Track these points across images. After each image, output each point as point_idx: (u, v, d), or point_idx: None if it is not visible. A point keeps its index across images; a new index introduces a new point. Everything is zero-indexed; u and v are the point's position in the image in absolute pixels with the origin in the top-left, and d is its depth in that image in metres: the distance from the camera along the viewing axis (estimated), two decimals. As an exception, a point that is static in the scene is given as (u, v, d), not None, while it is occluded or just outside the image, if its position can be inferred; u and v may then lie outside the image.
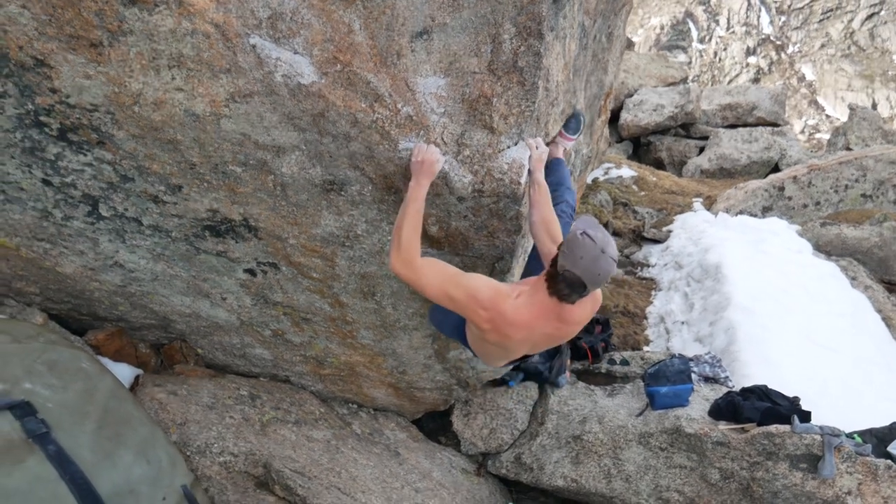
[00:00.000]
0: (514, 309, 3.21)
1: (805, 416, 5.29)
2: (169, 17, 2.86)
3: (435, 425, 6.61)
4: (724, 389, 6.18)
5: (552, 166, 4.19)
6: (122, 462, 3.31)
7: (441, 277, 3.19)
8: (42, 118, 3.34)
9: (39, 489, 2.87)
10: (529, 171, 3.54)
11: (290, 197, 3.73)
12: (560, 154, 4.34)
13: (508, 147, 3.49)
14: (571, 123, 4.51)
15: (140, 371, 5.04)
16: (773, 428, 5.19)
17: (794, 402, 5.54)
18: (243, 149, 3.41)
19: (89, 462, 3.12)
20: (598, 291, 3.32)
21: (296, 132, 3.31)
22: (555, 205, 3.92)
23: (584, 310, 3.32)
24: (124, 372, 4.84)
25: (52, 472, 2.96)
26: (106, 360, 4.78)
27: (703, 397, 6.00)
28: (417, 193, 3.20)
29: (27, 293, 4.75)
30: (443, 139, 3.35)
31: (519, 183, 3.51)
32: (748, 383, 6.06)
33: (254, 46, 2.97)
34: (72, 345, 3.82)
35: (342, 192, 3.66)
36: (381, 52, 3.15)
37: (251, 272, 4.42)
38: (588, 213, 11.55)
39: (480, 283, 3.21)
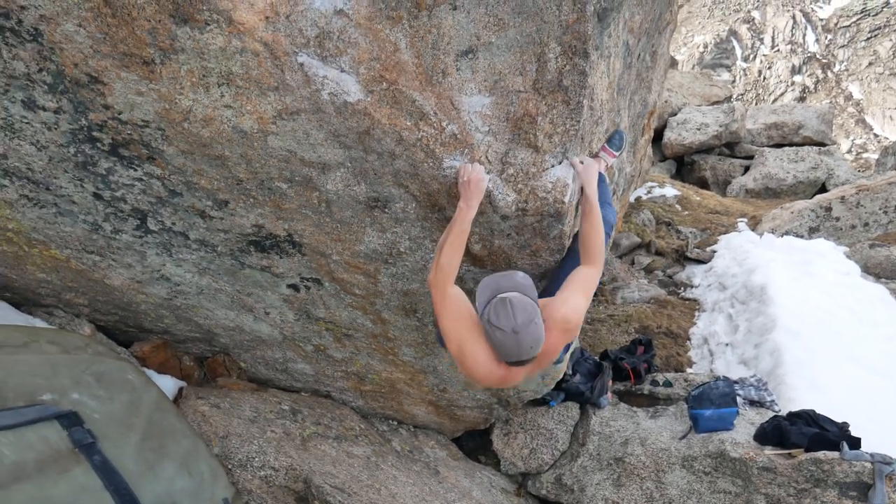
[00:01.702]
0: (501, 375, 3.15)
1: (855, 443, 5.18)
2: (219, 36, 2.90)
3: (475, 444, 6.60)
4: (770, 413, 6.08)
5: None
6: (165, 474, 3.34)
7: (454, 322, 3.15)
8: (95, 133, 3.40)
9: (84, 499, 2.90)
10: (582, 188, 3.53)
11: (334, 213, 3.76)
12: (602, 169, 4.33)
13: (553, 166, 3.48)
14: (615, 139, 4.50)
15: (184, 383, 5.10)
16: (821, 454, 5.09)
17: (843, 427, 5.43)
18: (289, 165, 3.45)
19: (133, 473, 3.15)
20: (567, 318, 3.17)
21: (341, 149, 3.33)
22: None
23: (551, 342, 3.14)
24: (168, 384, 4.90)
25: (97, 482, 2.99)
26: (151, 372, 4.85)
27: (748, 421, 5.90)
28: (466, 215, 3.21)
29: (76, 304, 4.84)
30: (487, 158, 3.35)
31: (563, 202, 3.50)
32: (795, 407, 5.96)
33: (301, 65, 3.00)
34: (118, 356, 3.87)
35: (386, 210, 3.68)
36: (426, 70, 3.16)
37: (294, 287, 4.46)
38: (628, 232, 11.48)
39: (478, 361, 3.12)
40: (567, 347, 3.82)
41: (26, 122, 3.35)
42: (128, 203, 3.86)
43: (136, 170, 3.62)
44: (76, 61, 3.04)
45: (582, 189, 3.54)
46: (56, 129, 3.39)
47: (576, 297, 3.24)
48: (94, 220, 4.00)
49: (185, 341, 5.31)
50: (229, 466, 4.39)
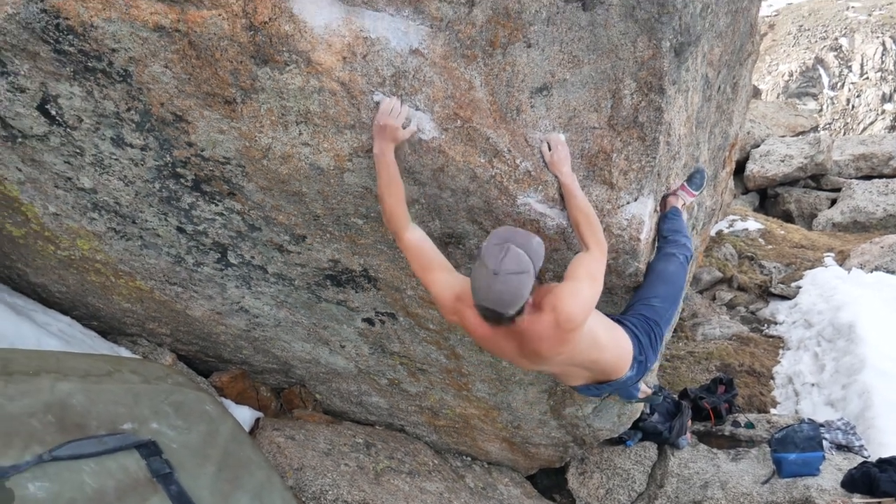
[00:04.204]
0: (474, 317, 3.05)
1: (949, 492, 4.94)
2: (298, 76, 2.97)
3: (549, 482, 6.50)
4: (859, 459, 5.85)
5: (669, 215, 4.09)
6: (240, 505, 3.38)
7: (421, 266, 3.20)
8: (178, 170, 3.51)
9: (161, 528, 2.96)
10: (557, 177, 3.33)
11: (408, 249, 3.79)
12: (678, 205, 4.23)
13: (628, 203, 3.45)
14: (695, 178, 4.36)
15: (260, 414, 5.17)
16: (913, 503, 4.87)
17: (937, 476, 5.20)
18: (364, 201, 3.49)
19: (208, 504, 3.20)
20: (565, 303, 2.98)
21: (416, 186, 3.36)
22: (671, 250, 3.85)
23: (540, 323, 3.00)
24: (245, 415, 4.98)
25: (173, 512, 3.05)
26: (229, 402, 4.93)
27: (835, 466, 5.70)
28: (385, 160, 3.06)
29: (159, 334, 4.97)
30: (561, 195, 3.34)
31: (638, 239, 3.46)
32: (885, 453, 5.72)
33: (377, 103, 3.05)
34: (197, 386, 3.95)
35: (460, 245, 3.69)
36: (500, 107, 3.18)
37: (370, 321, 4.49)
38: (709, 266, 11.25)
39: (444, 285, 3.16)
40: (635, 382, 3.73)
41: (115, 159, 3.48)
42: (209, 237, 3.96)
43: (217, 205, 3.72)
44: (162, 101, 3.15)
45: (558, 177, 3.32)
46: (142, 165, 3.51)
47: (583, 288, 3.06)
48: (178, 252, 4.12)
49: (263, 372, 5.39)
50: (303, 499, 4.42)
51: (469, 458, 6.01)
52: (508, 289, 2.74)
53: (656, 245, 4.00)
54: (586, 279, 3.08)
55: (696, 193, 4.37)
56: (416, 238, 3.21)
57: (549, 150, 3.27)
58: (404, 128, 3.07)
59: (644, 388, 4.12)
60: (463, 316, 3.14)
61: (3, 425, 2.75)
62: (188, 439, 3.39)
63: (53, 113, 3.25)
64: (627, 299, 3.86)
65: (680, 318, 9.05)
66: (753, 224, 14.26)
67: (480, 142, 3.18)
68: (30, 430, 2.81)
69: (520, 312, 2.86)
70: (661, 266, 3.81)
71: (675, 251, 3.85)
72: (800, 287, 10.70)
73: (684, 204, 4.26)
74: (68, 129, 3.34)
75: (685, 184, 4.30)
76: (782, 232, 14.23)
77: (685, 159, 4.34)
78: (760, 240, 13.58)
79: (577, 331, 3.11)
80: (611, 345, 3.39)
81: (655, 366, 5.07)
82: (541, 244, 2.88)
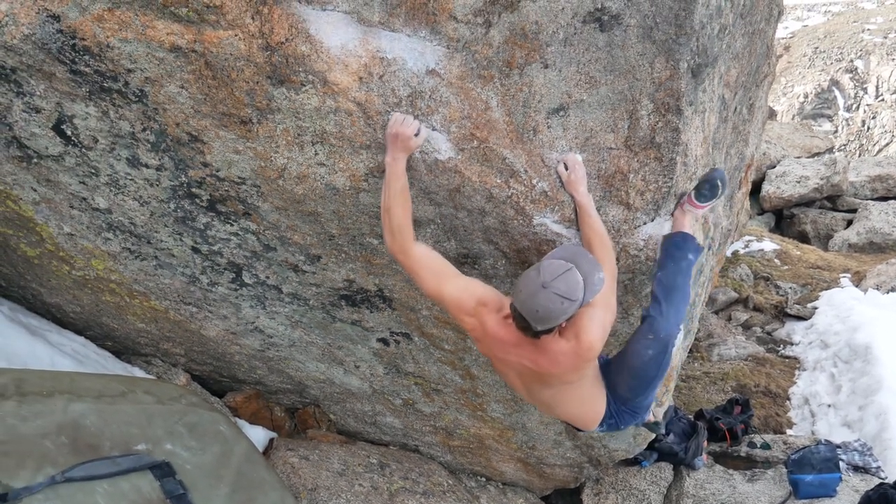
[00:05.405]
0: (496, 323, 3.01)
1: (968, 515, 4.87)
2: (314, 96, 2.97)
3: (565, 503, 6.45)
4: (876, 481, 5.78)
5: (672, 249, 3.42)
6: (253, 527, 3.36)
7: (434, 274, 3.11)
8: (194, 190, 3.52)
9: (174, 550, 2.94)
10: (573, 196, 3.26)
11: (424, 269, 3.77)
12: (687, 227, 3.50)
13: (645, 223, 3.42)
14: (704, 189, 3.51)
15: (274, 434, 5.15)
16: (931, 526, 4.80)
17: (956, 498, 5.12)
18: (380, 221, 3.47)
19: (222, 525, 3.18)
20: (587, 331, 2.89)
21: (432, 206, 3.35)
22: (651, 326, 3.26)
23: (560, 345, 2.94)
24: (259, 435, 4.96)
25: (186, 533, 3.03)
26: (242, 423, 4.92)
27: (852, 488, 5.63)
28: (396, 169, 3.01)
29: (173, 354, 4.96)
30: (577, 215, 3.32)
31: (655, 260, 3.43)
32: (903, 475, 5.66)
33: (392, 120, 3.04)
34: (211, 407, 3.94)
35: (476, 266, 3.66)
36: (517, 128, 3.16)
37: (384, 341, 4.47)
38: (724, 287, 11.19)
39: (462, 288, 3.11)
40: (647, 408, 3.64)
41: (130, 179, 3.49)
42: (224, 257, 3.95)
43: (232, 225, 3.71)
44: (178, 121, 3.16)
45: (574, 197, 3.26)
46: (158, 185, 3.51)
47: (599, 315, 2.97)
48: (192, 272, 4.11)
49: (277, 392, 5.38)
50: (317, 520, 4.40)
51: (484, 479, 5.96)
52: (548, 307, 2.68)
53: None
54: (602, 306, 3.00)
55: (703, 205, 3.56)
56: (424, 249, 3.18)
57: (566, 169, 3.24)
58: (416, 136, 3.03)
59: (650, 418, 4.03)
60: (483, 320, 3.07)
61: (15, 446, 2.74)
62: (202, 460, 3.37)
63: (69, 133, 3.27)
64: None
65: (695, 339, 8.99)
66: (769, 244, 14.17)
67: (497, 162, 3.17)
68: (43, 451, 2.80)
69: (548, 332, 2.82)
70: (630, 355, 3.35)
71: (653, 329, 3.26)
72: (816, 308, 10.61)
73: (696, 221, 3.67)
74: (84, 150, 3.35)
75: (691, 194, 3.55)
76: (798, 252, 14.14)
77: (701, 180, 4.31)
78: (776, 260, 13.50)
79: (593, 361, 3.11)
80: (589, 399, 3.36)
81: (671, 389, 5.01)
82: (602, 280, 2.82)
